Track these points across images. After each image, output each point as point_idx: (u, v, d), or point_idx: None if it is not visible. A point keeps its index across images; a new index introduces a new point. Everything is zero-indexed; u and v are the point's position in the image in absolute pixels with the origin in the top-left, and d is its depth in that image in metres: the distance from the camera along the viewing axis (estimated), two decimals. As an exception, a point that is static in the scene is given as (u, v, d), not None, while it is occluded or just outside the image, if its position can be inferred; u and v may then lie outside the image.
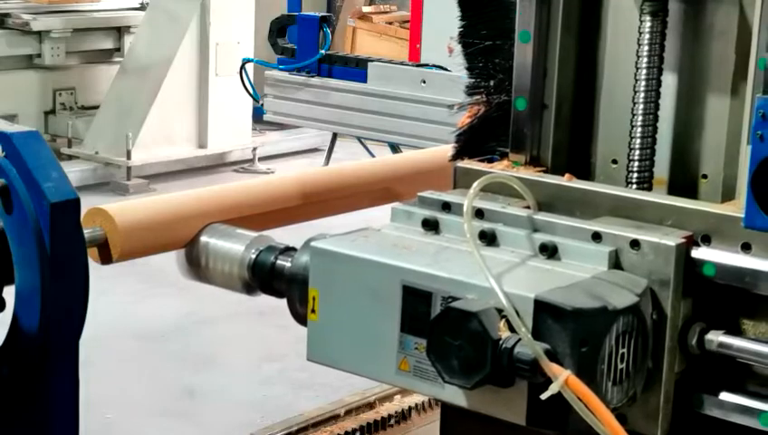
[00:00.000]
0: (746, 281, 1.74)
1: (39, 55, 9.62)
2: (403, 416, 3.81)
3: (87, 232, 2.08)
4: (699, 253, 1.77)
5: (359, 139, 4.71)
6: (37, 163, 1.92)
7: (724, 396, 1.78)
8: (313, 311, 1.80)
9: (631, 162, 1.99)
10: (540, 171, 2.03)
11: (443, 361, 1.60)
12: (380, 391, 3.89)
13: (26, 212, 1.90)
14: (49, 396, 1.96)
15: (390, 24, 11.53)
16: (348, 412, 3.81)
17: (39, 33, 9.54)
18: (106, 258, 2.16)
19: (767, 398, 1.76)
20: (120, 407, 5.26)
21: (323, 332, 1.80)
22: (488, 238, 1.82)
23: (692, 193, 2.00)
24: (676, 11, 1.99)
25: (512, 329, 1.57)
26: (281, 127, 9.73)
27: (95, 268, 2.05)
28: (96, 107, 9.72)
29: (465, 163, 2.06)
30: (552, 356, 1.55)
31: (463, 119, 2.14)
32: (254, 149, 10.00)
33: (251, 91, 5.01)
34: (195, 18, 9.51)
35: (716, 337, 1.76)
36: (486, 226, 1.83)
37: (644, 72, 1.96)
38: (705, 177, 2.00)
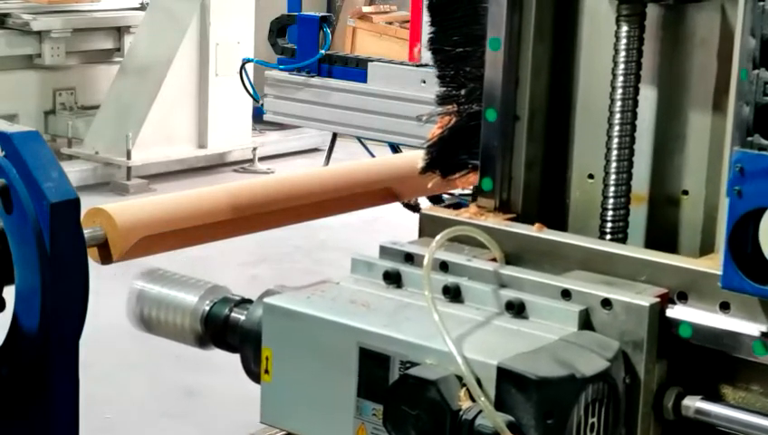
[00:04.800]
0: (724, 343, 1.64)
1: (39, 55, 9.61)
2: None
3: (87, 232, 2.07)
4: (675, 312, 1.67)
5: (359, 139, 4.71)
6: (37, 163, 1.92)
7: (702, 466, 1.67)
8: (267, 371, 1.72)
9: (608, 177, 1.88)
10: (509, 218, 1.92)
11: (400, 431, 1.52)
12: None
13: (26, 212, 1.90)
14: (49, 396, 1.96)
15: (390, 24, 11.52)
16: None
17: (39, 33, 9.54)
18: (106, 258, 2.16)
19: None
20: (120, 407, 5.26)
21: (277, 393, 1.72)
22: (452, 293, 1.72)
23: (673, 210, 1.92)
24: (655, 17, 1.89)
25: (473, 398, 1.49)
26: (281, 127, 9.73)
27: (95, 268, 2.05)
28: (96, 107, 9.71)
29: (431, 210, 1.96)
30: (516, 429, 1.47)
31: (433, 130, 2.04)
32: (254, 149, 9.99)
33: (251, 91, 5.01)
34: (195, 18, 9.50)
35: (693, 403, 1.66)
36: (450, 280, 1.73)
37: (620, 80, 1.86)
38: (685, 193, 1.92)
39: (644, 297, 1.66)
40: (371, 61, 4.52)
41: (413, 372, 1.52)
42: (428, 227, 1.92)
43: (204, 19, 9.54)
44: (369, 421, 1.61)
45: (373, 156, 4.45)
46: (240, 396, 5.45)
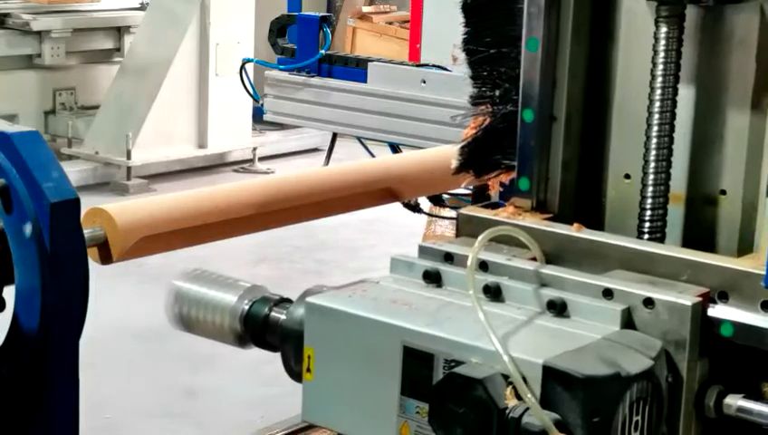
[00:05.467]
0: (766, 342, 1.65)
1: (39, 55, 9.61)
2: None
3: (87, 232, 2.07)
4: (716, 311, 1.68)
5: (359, 139, 4.70)
6: (37, 163, 1.92)
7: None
8: (309, 370, 1.72)
9: (646, 177, 1.89)
10: (546, 218, 1.93)
11: (446, 429, 1.53)
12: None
13: (26, 212, 1.90)
14: (49, 396, 1.96)
15: (390, 24, 11.53)
16: (348, 412, 3.81)
17: (39, 33, 9.54)
18: (106, 258, 2.16)
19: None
20: (120, 407, 5.26)
21: (319, 392, 1.72)
22: (492, 292, 1.72)
23: (711, 210, 1.92)
24: (694, 18, 1.89)
25: (519, 396, 1.50)
26: (281, 127, 9.73)
27: (95, 268, 2.05)
28: (96, 107, 9.71)
29: (469, 210, 1.97)
30: (563, 427, 1.48)
31: (467, 130, 2.05)
32: (254, 149, 9.99)
33: (251, 91, 5.00)
34: (195, 18, 9.51)
35: (735, 401, 1.67)
36: (491, 279, 1.74)
37: (659, 81, 1.86)
38: (723, 193, 1.91)
39: (686, 297, 1.66)
40: (371, 61, 4.51)
41: (459, 370, 1.53)
42: (466, 227, 1.93)
43: (204, 19, 9.54)
44: (413, 419, 1.61)
45: (373, 156, 4.44)
46: (240, 396, 5.46)
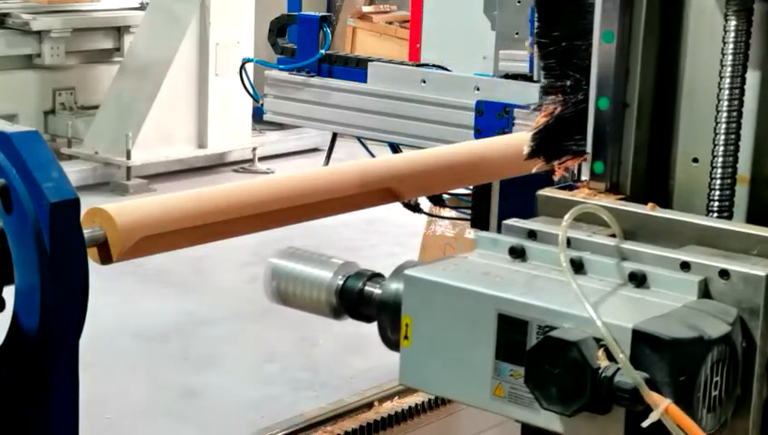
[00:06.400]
0: None
1: (39, 55, 9.62)
2: (403, 416, 3.81)
3: (87, 232, 2.07)
4: None
5: (359, 139, 4.70)
6: (37, 163, 1.92)
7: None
8: (406, 337, 1.83)
9: (715, 160, 2.00)
10: (620, 199, 2.06)
11: (541, 389, 1.63)
12: (380, 392, 3.89)
13: (26, 212, 1.90)
14: (49, 396, 1.96)
15: (390, 23, 11.53)
16: (348, 412, 3.81)
17: (39, 32, 9.55)
18: (106, 258, 2.16)
19: None
20: (120, 407, 5.27)
21: (416, 357, 1.83)
22: (576, 266, 1.84)
23: None
24: (760, 11, 2.00)
25: (609, 358, 1.61)
26: (281, 127, 9.74)
27: (95, 268, 2.05)
28: (96, 107, 9.72)
29: (547, 192, 2.08)
30: (651, 385, 1.59)
31: (538, 118, 2.17)
32: (254, 149, 10.00)
33: (251, 91, 5.00)
34: (195, 18, 9.51)
35: None
36: (574, 254, 1.85)
37: (729, 71, 1.97)
38: None
39: (760, 268, 1.76)
40: (371, 61, 4.51)
41: (554, 334, 1.64)
42: (545, 207, 2.06)
43: (204, 19, 9.55)
44: (507, 381, 1.72)
45: (373, 156, 4.44)
46: (240, 396, 5.46)
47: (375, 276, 2.03)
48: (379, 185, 2.74)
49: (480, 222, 4.18)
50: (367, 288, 2.01)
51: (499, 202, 4.11)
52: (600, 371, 1.60)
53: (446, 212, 5.34)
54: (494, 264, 1.88)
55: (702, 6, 2.06)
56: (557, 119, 2.15)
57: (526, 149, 2.18)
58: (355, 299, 2.02)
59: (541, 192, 2.08)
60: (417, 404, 3.84)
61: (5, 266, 1.94)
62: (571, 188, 2.12)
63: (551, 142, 2.16)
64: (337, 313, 2.06)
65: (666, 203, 2.11)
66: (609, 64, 2.07)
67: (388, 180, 2.76)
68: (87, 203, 2.03)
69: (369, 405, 3.85)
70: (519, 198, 4.02)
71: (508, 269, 1.86)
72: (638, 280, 1.79)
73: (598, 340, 1.62)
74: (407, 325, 1.83)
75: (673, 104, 2.11)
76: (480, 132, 4.01)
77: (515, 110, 3.95)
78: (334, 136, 4.84)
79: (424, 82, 4.29)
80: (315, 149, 10.34)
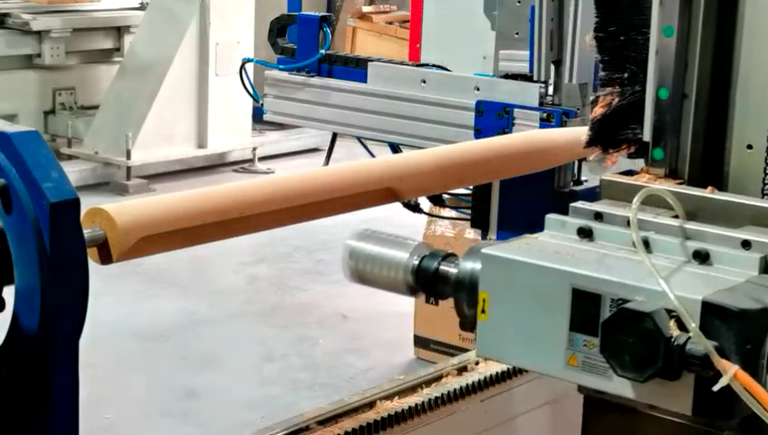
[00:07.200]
0: None
1: (39, 55, 9.62)
2: (403, 416, 3.80)
3: (87, 232, 2.07)
4: None
5: (359, 139, 4.70)
6: (37, 163, 1.92)
7: None
8: (483, 311, 1.95)
9: None
10: (679, 183, 2.19)
11: (616, 357, 1.75)
12: (380, 392, 3.88)
13: (26, 212, 1.90)
14: (49, 396, 1.96)
15: (390, 23, 11.53)
16: (348, 412, 3.80)
17: (39, 32, 9.55)
18: (106, 258, 2.16)
19: None
20: (120, 407, 5.27)
21: (493, 330, 1.95)
22: (644, 245, 1.95)
23: None
24: None
25: (680, 328, 1.72)
26: (281, 127, 9.74)
27: (95, 268, 2.05)
28: (96, 107, 9.72)
29: (611, 177, 2.21)
30: (720, 352, 1.69)
31: (596, 109, 2.28)
32: (254, 149, 10.00)
33: (251, 91, 5.00)
34: (195, 18, 9.51)
35: None
36: (642, 233, 1.97)
37: None
38: None
39: None
40: (371, 61, 4.51)
41: (629, 306, 1.76)
42: (608, 191, 2.19)
43: (204, 19, 9.55)
44: (580, 351, 1.84)
45: (373, 156, 4.44)
46: (240, 396, 5.46)
47: (449, 256, 2.16)
48: (379, 185, 2.74)
49: (480, 222, 4.18)
50: (442, 267, 2.14)
51: (499, 202, 4.12)
52: (673, 339, 1.72)
53: (446, 212, 5.34)
54: (564, 244, 2.01)
55: (757, 1, 2.17)
56: (614, 109, 2.26)
57: (584, 139, 2.30)
58: (431, 277, 2.15)
59: (604, 177, 2.22)
60: (417, 404, 3.84)
61: (5, 266, 1.94)
62: (631, 173, 2.24)
63: (608, 131, 2.27)
64: (413, 290, 2.19)
65: (720, 188, 2.22)
66: (669, 57, 2.19)
67: (388, 180, 2.76)
68: (87, 203, 2.03)
69: (370, 405, 3.84)
70: (519, 198, 4.03)
71: (578, 248, 1.99)
72: (702, 257, 1.91)
73: (669, 311, 1.74)
74: (484, 300, 1.95)
75: (728, 94, 2.22)
76: (480, 132, 4.01)
77: (515, 110, 3.96)
78: (334, 136, 4.84)
79: (424, 82, 4.29)
80: (315, 149, 10.34)
